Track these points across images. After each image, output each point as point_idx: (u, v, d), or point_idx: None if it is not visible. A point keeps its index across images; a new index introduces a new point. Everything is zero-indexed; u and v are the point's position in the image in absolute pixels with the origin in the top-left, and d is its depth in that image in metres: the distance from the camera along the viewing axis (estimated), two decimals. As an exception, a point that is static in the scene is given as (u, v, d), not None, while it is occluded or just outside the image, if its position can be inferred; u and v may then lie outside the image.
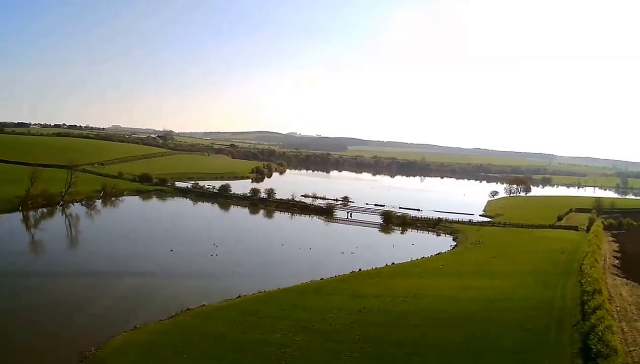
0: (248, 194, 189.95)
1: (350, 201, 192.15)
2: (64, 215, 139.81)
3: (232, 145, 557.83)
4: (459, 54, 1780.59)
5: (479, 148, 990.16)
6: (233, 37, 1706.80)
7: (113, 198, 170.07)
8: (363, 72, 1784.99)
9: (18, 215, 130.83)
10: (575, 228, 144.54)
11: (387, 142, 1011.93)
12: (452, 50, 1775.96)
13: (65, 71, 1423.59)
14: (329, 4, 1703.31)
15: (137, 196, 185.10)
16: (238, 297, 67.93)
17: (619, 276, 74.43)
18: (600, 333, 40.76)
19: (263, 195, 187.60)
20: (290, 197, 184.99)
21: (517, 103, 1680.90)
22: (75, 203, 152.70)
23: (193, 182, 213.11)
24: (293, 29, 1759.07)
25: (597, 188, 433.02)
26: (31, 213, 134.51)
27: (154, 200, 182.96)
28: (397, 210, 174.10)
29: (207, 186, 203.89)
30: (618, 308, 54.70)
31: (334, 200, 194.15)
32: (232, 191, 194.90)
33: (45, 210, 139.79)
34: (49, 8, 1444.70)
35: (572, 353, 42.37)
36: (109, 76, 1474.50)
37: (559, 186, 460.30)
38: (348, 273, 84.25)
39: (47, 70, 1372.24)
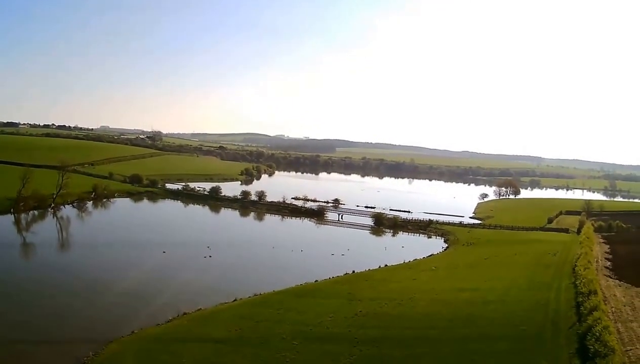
0: (239, 196, 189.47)
1: (341, 204, 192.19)
2: (55, 217, 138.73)
3: (220, 147, 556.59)
4: (447, 56, 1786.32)
5: (467, 151, 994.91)
6: (220, 38, 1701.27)
7: (104, 200, 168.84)
8: (352, 73, 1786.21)
9: (10, 217, 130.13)
10: (566, 231, 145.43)
11: (376, 143, 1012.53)
12: (440, 53, 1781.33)
13: (53, 71, 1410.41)
14: (316, 6, 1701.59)
15: (128, 198, 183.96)
16: (234, 300, 67.70)
17: (611, 278, 75.07)
18: (597, 334, 41.29)
19: (254, 197, 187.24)
20: (281, 200, 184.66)
21: (505, 105, 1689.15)
22: (66, 205, 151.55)
23: (183, 184, 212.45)
24: (280, 30, 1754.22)
25: (585, 191, 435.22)
26: (22, 215, 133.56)
27: (145, 202, 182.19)
28: (387, 212, 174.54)
29: (198, 189, 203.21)
30: (613, 309, 55.29)
31: (324, 202, 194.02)
32: (223, 194, 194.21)
33: (36, 212, 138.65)
34: (35, 7, 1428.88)
35: (569, 354, 42.88)
36: (96, 76, 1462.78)
37: (548, 189, 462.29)
38: (342, 275, 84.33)
39: (35, 69, 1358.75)
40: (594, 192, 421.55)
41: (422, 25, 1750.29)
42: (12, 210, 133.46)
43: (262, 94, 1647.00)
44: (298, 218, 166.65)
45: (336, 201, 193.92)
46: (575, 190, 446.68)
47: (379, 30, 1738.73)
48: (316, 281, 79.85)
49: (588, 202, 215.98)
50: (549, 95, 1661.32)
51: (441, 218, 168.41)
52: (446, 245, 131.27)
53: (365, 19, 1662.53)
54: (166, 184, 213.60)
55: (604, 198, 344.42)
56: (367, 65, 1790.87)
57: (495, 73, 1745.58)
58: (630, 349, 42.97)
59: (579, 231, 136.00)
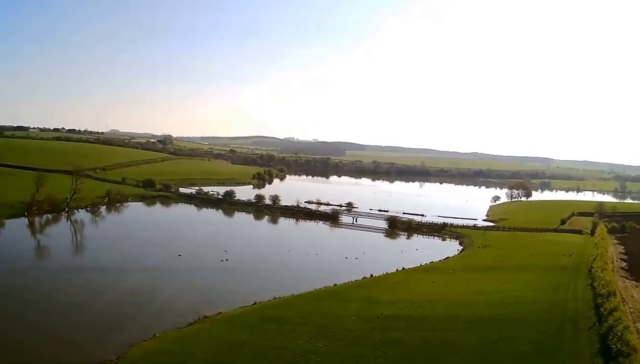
0: (253, 200, 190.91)
1: (354, 207, 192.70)
2: (69, 221, 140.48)
3: (231, 150, 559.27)
4: (455, 57, 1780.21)
5: (476, 153, 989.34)
6: (227, 41, 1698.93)
7: (118, 204, 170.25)
8: (360, 76, 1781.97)
9: (23, 221, 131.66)
10: (580, 232, 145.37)
11: (385, 146, 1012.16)
12: (449, 54, 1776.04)
13: (62, 74, 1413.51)
14: (323, 7, 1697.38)
15: (142, 202, 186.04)
16: (254, 304, 68.27)
17: (627, 279, 75.62)
18: (619, 334, 41.74)
19: (268, 201, 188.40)
20: (294, 203, 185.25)
21: (514, 106, 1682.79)
22: (80, 209, 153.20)
23: (197, 188, 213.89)
24: (288, 32, 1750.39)
25: (596, 192, 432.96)
26: (36, 219, 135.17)
27: (159, 206, 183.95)
28: (401, 215, 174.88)
29: (212, 193, 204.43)
30: (631, 310, 55.83)
31: (337, 205, 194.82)
32: (237, 198, 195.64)
33: (50, 216, 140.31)
34: (39, 11, 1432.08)
35: (591, 353, 43.43)
36: (105, 80, 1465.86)
37: (558, 191, 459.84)
38: (361, 279, 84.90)
39: (43, 73, 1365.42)
40: (604, 194, 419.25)
41: (430, 26, 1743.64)
42: (25, 213, 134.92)
43: (271, 97, 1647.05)
44: (312, 222, 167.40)
45: (349, 204, 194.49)
46: (585, 192, 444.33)
47: (386, 31, 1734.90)
48: (335, 285, 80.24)
49: (600, 204, 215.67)
50: (558, 96, 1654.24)
51: (455, 221, 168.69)
52: (461, 248, 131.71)
53: (371, 20, 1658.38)
54: (179, 188, 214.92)
55: (614, 199, 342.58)
56: (374, 67, 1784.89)
57: (503, 75, 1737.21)
58: (651, 349, 43.46)
59: (592, 233, 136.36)
